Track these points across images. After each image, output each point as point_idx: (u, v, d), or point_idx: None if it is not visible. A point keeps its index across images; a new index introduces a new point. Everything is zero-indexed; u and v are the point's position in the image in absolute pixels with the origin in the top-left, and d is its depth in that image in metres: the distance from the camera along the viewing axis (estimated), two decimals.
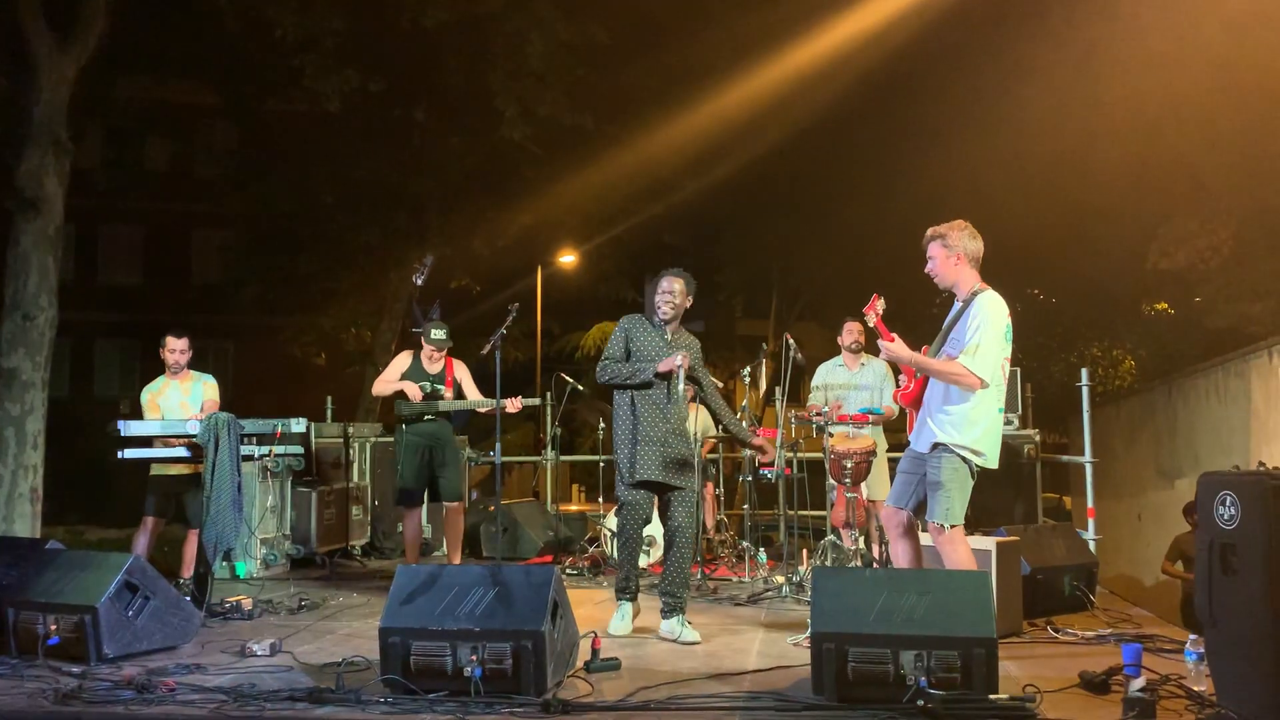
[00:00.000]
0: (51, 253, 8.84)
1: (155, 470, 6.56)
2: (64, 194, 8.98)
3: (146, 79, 14.07)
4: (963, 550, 4.55)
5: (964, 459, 4.53)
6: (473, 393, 7.02)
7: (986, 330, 4.49)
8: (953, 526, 4.52)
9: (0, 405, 8.62)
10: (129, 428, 6.21)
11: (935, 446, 4.58)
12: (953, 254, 4.65)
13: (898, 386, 5.03)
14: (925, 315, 18.72)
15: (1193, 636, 4.10)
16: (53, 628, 4.74)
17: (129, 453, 6.23)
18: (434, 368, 7.01)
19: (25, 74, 8.82)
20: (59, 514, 12.08)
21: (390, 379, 7.01)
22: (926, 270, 4.75)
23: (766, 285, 22.18)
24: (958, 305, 4.71)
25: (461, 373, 7.08)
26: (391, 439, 9.60)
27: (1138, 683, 3.81)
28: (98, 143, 17.77)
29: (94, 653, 4.70)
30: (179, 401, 6.72)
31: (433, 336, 6.98)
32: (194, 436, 6.11)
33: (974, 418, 4.53)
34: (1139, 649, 3.97)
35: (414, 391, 6.86)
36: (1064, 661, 4.64)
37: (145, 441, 6.31)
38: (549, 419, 10.32)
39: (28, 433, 8.64)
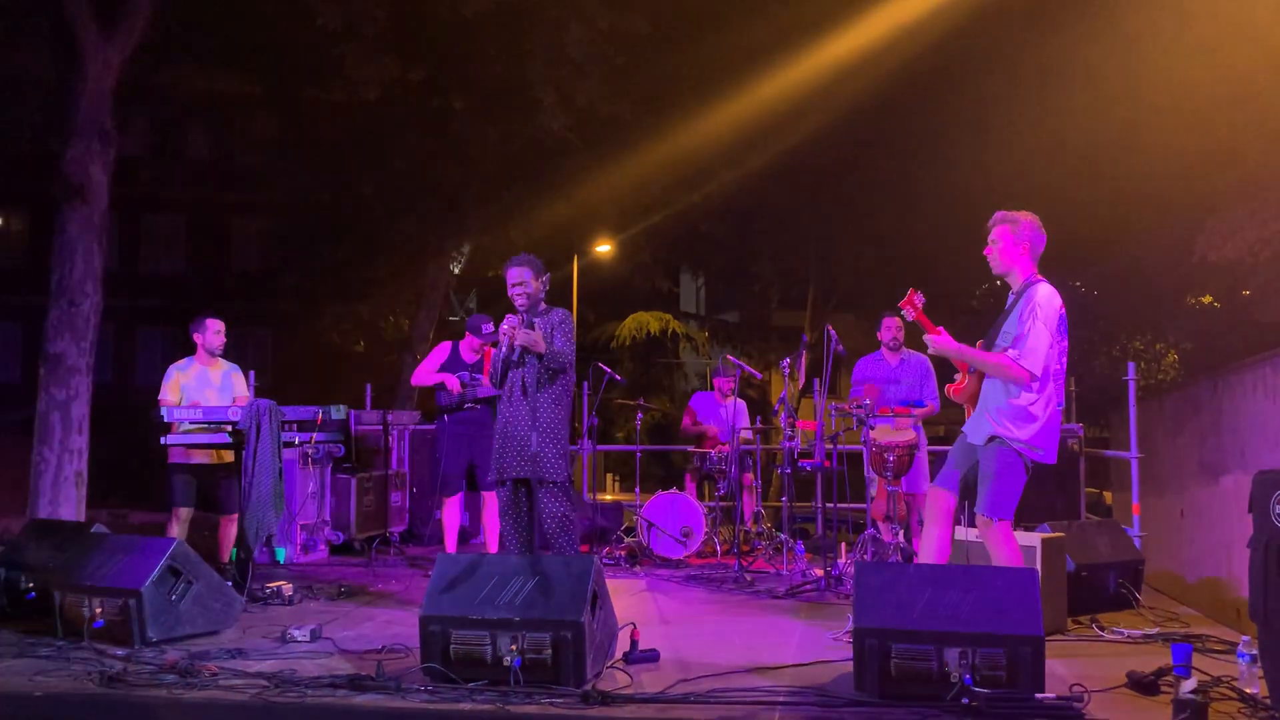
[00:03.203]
0: (96, 240, 8.94)
1: (178, 459, 6.53)
2: (109, 182, 9.07)
3: (189, 68, 14.20)
4: (1010, 545, 4.48)
5: (1020, 454, 4.46)
6: None
7: (1038, 323, 4.41)
8: (1000, 520, 4.46)
9: (46, 390, 8.73)
10: (173, 413, 6.27)
11: (991, 439, 4.51)
12: (1020, 241, 4.57)
13: (951, 381, 4.94)
14: (964, 307, 18.55)
15: (1245, 638, 4.01)
16: (98, 611, 4.81)
17: (172, 438, 6.29)
18: (473, 358, 7.03)
19: (71, 63, 8.91)
20: (103, 497, 12.25)
21: (429, 369, 7.04)
22: (985, 252, 4.65)
23: (803, 276, 22.04)
24: (1011, 298, 4.63)
25: None
26: (430, 426, 9.66)
27: (1188, 684, 3.73)
28: (141, 131, 18.04)
29: (138, 636, 4.76)
30: (209, 388, 6.71)
31: (484, 332, 7.00)
32: (236, 423, 6.15)
33: (1034, 412, 4.45)
34: (1189, 649, 3.89)
35: (453, 383, 6.89)
36: (1110, 661, 4.56)
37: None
38: (585, 408, 10.32)
39: (73, 417, 8.74)
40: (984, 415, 4.58)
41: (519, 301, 5.34)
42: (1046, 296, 4.47)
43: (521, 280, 5.34)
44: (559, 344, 5.30)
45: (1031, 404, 4.46)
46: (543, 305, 5.44)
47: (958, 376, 4.82)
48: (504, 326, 5.19)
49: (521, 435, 5.22)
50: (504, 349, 5.26)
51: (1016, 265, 4.60)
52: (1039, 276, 4.57)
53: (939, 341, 4.58)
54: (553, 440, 5.28)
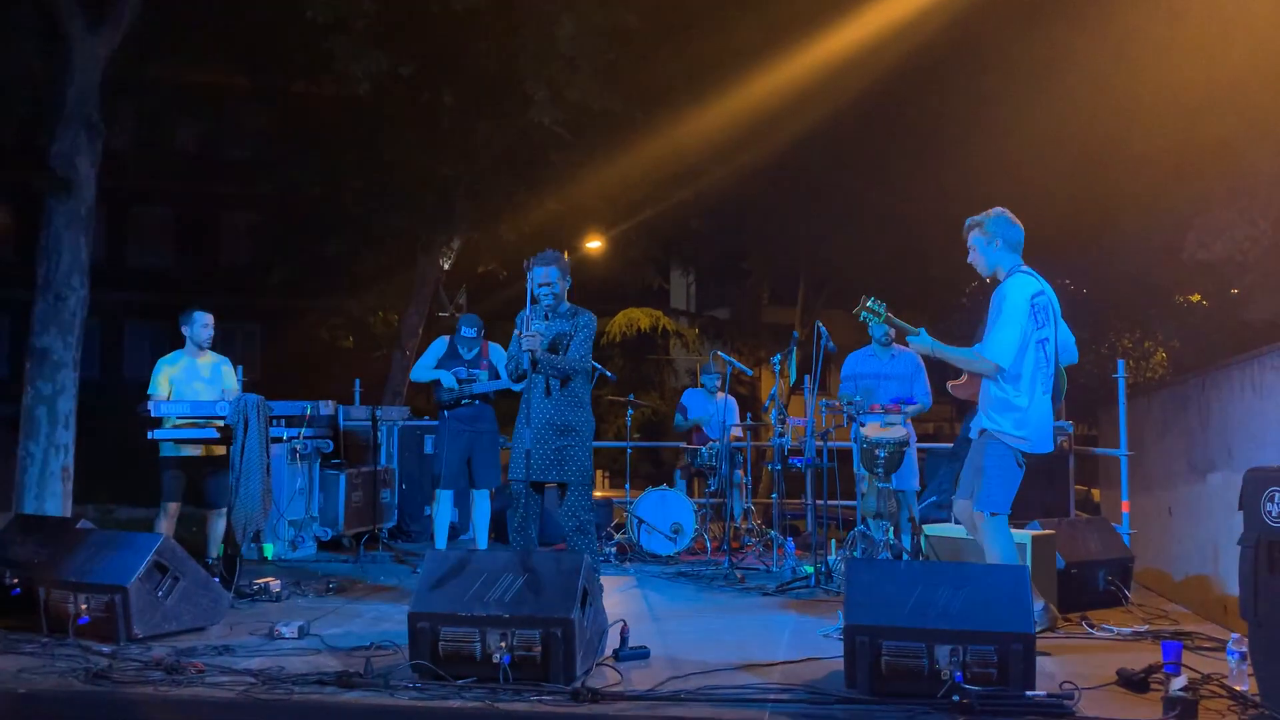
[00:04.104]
0: (83, 233, 8.87)
1: (169, 452, 6.49)
2: (96, 175, 9.00)
3: (177, 61, 14.08)
4: (1003, 540, 4.49)
5: (1009, 446, 4.48)
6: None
7: (1000, 315, 4.47)
8: (993, 515, 4.47)
9: (32, 384, 8.67)
10: (159, 408, 6.22)
11: (982, 433, 4.57)
12: (992, 240, 4.61)
13: (954, 379, 4.98)
14: (954, 305, 18.57)
15: (1235, 635, 4.02)
16: (83, 607, 4.77)
17: (159, 433, 6.24)
18: (470, 352, 7.01)
19: (58, 55, 8.84)
20: (89, 493, 12.16)
21: (427, 366, 7.02)
22: (969, 260, 4.71)
23: (793, 272, 22.02)
24: None
25: (497, 356, 7.06)
26: (419, 423, 9.63)
27: (1178, 681, 3.74)
28: (129, 124, 17.90)
29: (124, 632, 4.73)
30: (197, 380, 6.65)
31: (463, 335, 6.99)
32: (224, 418, 6.11)
33: (1016, 403, 4.47)
34: (1179, 647, 3.91)
35: (450, 380, 6.87)
36: (1101, 658, 4.56)
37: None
38: None
39: (59, 412, 8.68)
40: (979, 410, 4.63)
41: (546, 301, 5.38)
42: (1014, 286, 4.52)
43: (549, 280, 5.39)
44: (573, 350, 5.36)
45: (1014, 394, 4.48)
46: (565, 305, 5.49)
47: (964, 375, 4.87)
48: (530, 332, 5.19)
49: (544, 437, 5.27)
50: (532, 352, 5.21)
51: (999, 263, 4.65)
52: (1023, 268, 4.59)
53: (919, 342, 4.64)
54: (577, 442, 5.32)
